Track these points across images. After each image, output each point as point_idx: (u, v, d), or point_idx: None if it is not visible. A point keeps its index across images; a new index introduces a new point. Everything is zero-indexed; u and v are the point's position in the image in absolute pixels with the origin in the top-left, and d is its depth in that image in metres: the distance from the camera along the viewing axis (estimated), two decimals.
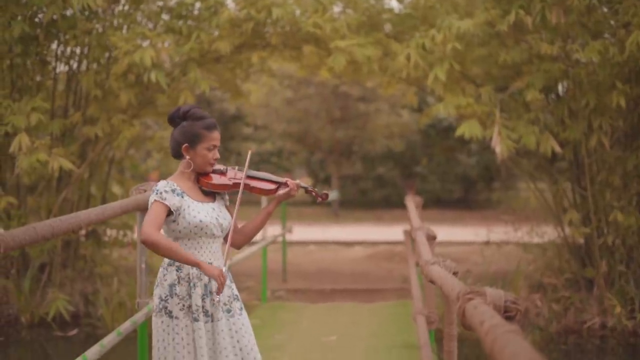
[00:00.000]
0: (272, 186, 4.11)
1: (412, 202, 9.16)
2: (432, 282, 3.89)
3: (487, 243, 12.90)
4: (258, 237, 4.35)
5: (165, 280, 3.90)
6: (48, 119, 9.46)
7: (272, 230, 11.60)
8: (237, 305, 4.00)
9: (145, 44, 9.37)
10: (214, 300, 3.86)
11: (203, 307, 3.86)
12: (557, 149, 9.23)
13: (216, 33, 9.88)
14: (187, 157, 3.94)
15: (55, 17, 9.26)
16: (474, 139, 9.42)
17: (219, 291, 3.77)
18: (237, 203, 3.93)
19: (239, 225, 4.14)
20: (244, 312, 4.04)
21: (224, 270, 3.81)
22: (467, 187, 25.22)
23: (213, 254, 3.92)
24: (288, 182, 4.10)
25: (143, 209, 4.67)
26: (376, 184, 25.76)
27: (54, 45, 10.15)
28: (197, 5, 10.05)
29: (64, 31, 9.64)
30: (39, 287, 10.20)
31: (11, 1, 9.05)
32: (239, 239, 4.11)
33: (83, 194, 10.85)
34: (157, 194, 3.82)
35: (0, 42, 9.24)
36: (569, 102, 9.53)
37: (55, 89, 10.30)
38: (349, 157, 24.94)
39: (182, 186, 3.92)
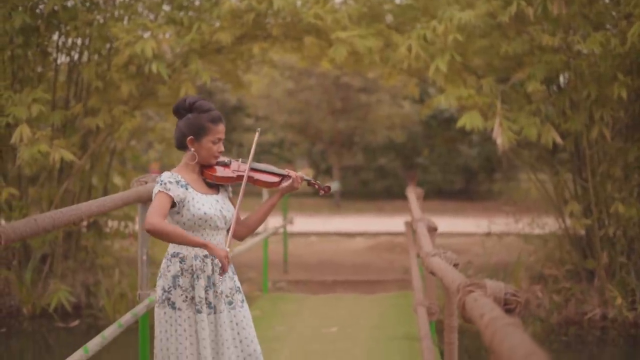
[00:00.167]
0: (276, 179, 4.11)
1: (413, 194, 9.16)
2: (432, 273, 3.90)
3: (488, 234, 12.91)
4: (259, 228, 4.33)
5: (169, 271, 3.91)
6: (49, 110, 9.47)
7: (273, 221, 11.61)
8: (239, 297, 4.01)
9: (146, 35, 9.37)
10: (220, 275, 3.86)
11: (206, 298, 3.87)
12: (558, 140, 9.22)
13: (217, 24, 9.87)
14: (192, 149, 3.94)
15: (56, 8, 9.26)
16: (475, 130, 9.41)
17: (223, 271, 3.78)
18: (240, 195, 3.94)
19: (242, 217, 4.15)
20: (245, 305, 4.05)
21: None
22: (468, 178, 25.22)
23: (216, 245, 3.92)
24: (291, 175, 4.10)
25: (144, 200, 4.68)
26: (377, 175, 25.76)
27: (55, 37, 10.15)
28: None
29: (65, 22, 9.63)
30: (41, 278, 10.21)
31: None
32: (241, 231, 4.12)
33: (84, 185, 10.86)
34: (161, 184, 3.82)
35: (1, 33, 9.23)
36: (570, 94, 9.52)
37: (56, 80, 10.29)
38: (350, 148, 24.93)
39: (186, 178, 3.92)
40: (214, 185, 4.02)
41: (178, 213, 3.86)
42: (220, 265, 3.85)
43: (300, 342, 7.49)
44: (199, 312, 3.83)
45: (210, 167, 3.99)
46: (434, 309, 6.86)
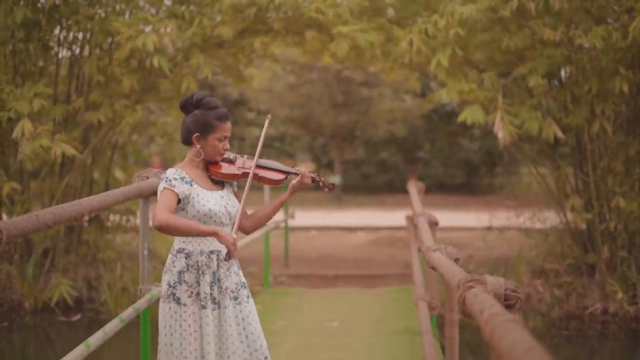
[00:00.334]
0: (281, 176, 4.11)
1: (414, 188, 9.16)
2: (433, 268, 3.91)
3: (490, 228, 12.92)
4: None
5: (174, 267, 3.92)
6: (51, 105, 9.47)
7: (275, 215, 11.61)
8: (245, 292, 4.03)
9: (148, 29, 9.37)
10: (226, 262, 3.87)
11: (211, 294, 3.88)
12: (560, 134, 9.22)
13: (219, 18, 9.86)
14: (198, 146, 3.94)
15: (57, 2, 9.26)
16: (477, 125, 9.41)
17: (229, 257, 3.79)
18: (246, 190, 3.95)
19: (248, 212, 4.16)
20: (251, 300, 4.07)
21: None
22: (469, 172, 25.21)
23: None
24: (300, 172, 4.10)
25: (146, 195, 4.69)
26: (379, 169, 25.76)
27: (56, 31, 10.15)
28: None
29: (67, 16, 9.63)
30: (43, 272, 10.23)
31: None
32: (249, 225, 4.14)
33: (86, 180, 10.87)
34: (166, 181, 3.83)
35: (3, 28, 9.23)
36: (572, 88, 9.52)
37: (57, 75, 10.30)
38: (352, 142, 24.92)
39: (191, 174, 3.93)
40: (219, 181, 4.03)
41: (183, 209, 3.87)
42: (223, 263, 3.88)
43: (301, 337, 7.50)
44: (203, 307, 3.85)
45: (215, 163, 4.00)
46: (435, 304, 6.87)
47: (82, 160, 10.12)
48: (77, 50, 10.43)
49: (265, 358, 4.02)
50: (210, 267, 3.90)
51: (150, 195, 4.71)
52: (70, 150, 8.84)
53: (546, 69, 9.15)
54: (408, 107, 23.17)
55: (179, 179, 3.85)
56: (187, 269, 3.90)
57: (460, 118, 9.29)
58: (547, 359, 1.57)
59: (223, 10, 9.61)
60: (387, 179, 25.51)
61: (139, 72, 9.86)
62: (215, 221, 3.89)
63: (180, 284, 3.89)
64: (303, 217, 15.51)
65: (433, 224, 6.25)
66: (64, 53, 10.61)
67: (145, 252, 4.75)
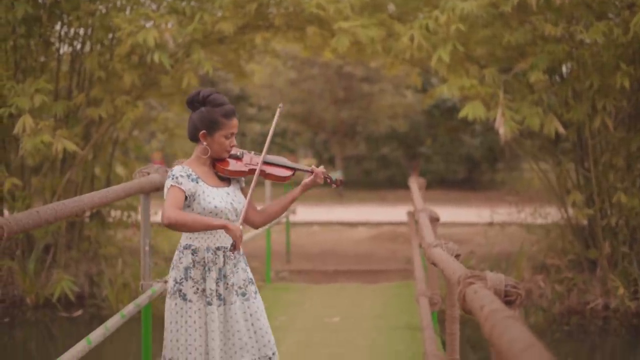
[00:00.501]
0: (288, 173, 4.11)
1: (415, 184, 9.16)
2: (434, 264, 3.91)
3: (491, 224, 12.91)
4: None
5: (181, 263, 3.93)
6: (52, 101, 9.48)
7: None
8: (252, 288, 4.04)
9: (149, 25, 9.37)
10: (231, 252, 3.88)
11: (217, 290, 3.89)
12: (561, 130, 9.21)
13: (219, 14, 9.85)
14: (204, 143, 3.94)
15: None
16: (478, 120, 9.41)
17: (235, 248, 3.80)
18: (252, 186, 3.96)
19: (258, 208, 4.17)
20: (259, 296, 4.08)
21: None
22: (471, 168, 25.20)
23: (228, 238, 3.94)
24: (314, 170, 4.10)
25: (146, 191, 4.69)
26: (380, 165, 25.75)
27: (57, 27, 10.16)
28: None
29: (68, 12, 9.63)
30: (44, 268, 10.24)
31: None
32: (258, 220, 4.15)
33: (87, 175, 10.88)
34: (172, 179, 3.84)
35: (4, 23, 9.24)
36: (573, 83, 9.51)
37: (58, 70, 10.30)
38: (353, 137, 24.92)
39: (197, 171, 3.93)
40: (225, 178, 4.03)
41: (189, 207, 3.88)
42: (229, 260, 3.89)
43: (303, 332, 7.51)
44: (209, 304, 3.86)
45: (222, 160, 3.99)
46: (436, 299, 6.87)
47: (83, 156, 10.12)
48: (78, 46, 10.43)
49: (274, 354, 4.05)
50: (216, 264, 3.91)
51: (151, 191, 4.72)
52: (71, 146, 8.84)
53: (547, 64, 9.14)
54: (409, 103, 23.15)
55: (185, 176, 3.85)
56: (194, 265, 3.91)
57: (462, 114, 9.28)
58: (546, 356, 1.57)
59: (224, 6, 9.61)
60: (388, 174, 25.50)
61: (139, 68, 9.86)
62: (221, 218, 3.89)
63: (187, 280, 3.90)
64: (304, 212, 15.52)
65: (434, 220, 6.24)
66: (65, 49, 10.63)
67: (147, 248, 4.76)
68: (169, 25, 9.47)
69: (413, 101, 23.14)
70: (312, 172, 4.11)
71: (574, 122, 9.56)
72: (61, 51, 10.47)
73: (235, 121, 3.95)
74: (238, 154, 4.04)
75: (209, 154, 3.95)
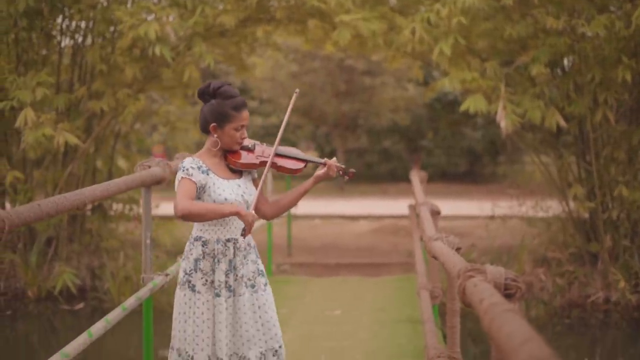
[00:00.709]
0: (300, 165, 4.10)
1: (416, 177, 9.15)
2: (435, 258, 3.91)
3: (492, 217, 12.91)
4: None
5: (191, 254, 3.96)
6: (53, 94, 9.48)
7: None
8: (262, 280, 4.05)
9: (150, 18, 9.36)
10: (243, 237, 3.87)
11: (226, 282, 3.91)
12: (562, 123, 9.21)
13: (221, 7, 9.85)
14: (215, 135, 3.95)
15: None
16: (479, 113, 9.40)
17: (247, 233, 3.81)
18: (262, 177, 3.98)
19: (270, 199, 4.18)
20: (269, 288, 4.10)
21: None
22: (472, 161, 25.16)
23: (238, 230, 3.95)
24: (327, 162, 4.09)
25: (148, 184, 4.70)
26: (382, 158, 25.72)
27: (59, 20, 10.15)
28: None
29: (69, 5, 9.63)
30: (46, 261, 10.26)
31: None
32: (270, 211, 4.15)
33: (89, 168, 10.89)
34: (183, 171, 3.85)
35: (5, 16, 9.24)
36: (575, 77, 9.50)
37: (60, 64, 10.30)
38: (355, 130, 24.89)
39: (208, 163, 3.94)
40: (237, 170, 4.03)
41: (199, 199, 3.89)
42: (239, 251, 3.91)
43: (304, 325, 7.52)
44: (217, 295, 3.89)
45: (234, 152, 3.99)
46: (437, 293, 6.88)
47: (85, 149, 10.13)
48: (80, 39, 10.43)
49: (280, 346, 4.06)
50: (226, 255, 3.93)
51: (152, 184, 4.72)
52: (73, 139, 8.85)
53: (549, 57, 9.14)
54: (411, 96, 23.11)
55: (195, 168, 3.86)
56: (203, 257, 3.93)
57: (463, 107, 9.28)
58: (545, 350, 1.58)
59: None
60: (390, 167, 25.47)
61: (141, 61, 9.85)
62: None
63: (196, 272, 3.93)
64: (306, 205, 15.50)
65: (435, 213, 6.24)
66: (66, 42, 10.62)
67: (148, 241, 4.76)
68: (171, 18, 9.47)
69: (415, 94, 23.09)
70: (324, 164, 4.10)
71: (576, 115, 9.55)
72: (63, 44, 10.46)
73: (245, 113, 3.95)
74: (250, 145, 4.03)
75: (219, 146, 3.96)
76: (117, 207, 11.57)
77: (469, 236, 12.79)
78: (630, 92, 9.51)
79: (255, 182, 4.12)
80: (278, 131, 4.06)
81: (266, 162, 3.99)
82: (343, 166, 4.16)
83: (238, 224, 3.95)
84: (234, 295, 3.94)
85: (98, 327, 3.98)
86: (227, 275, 3.92)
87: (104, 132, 10.89)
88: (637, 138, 9.45)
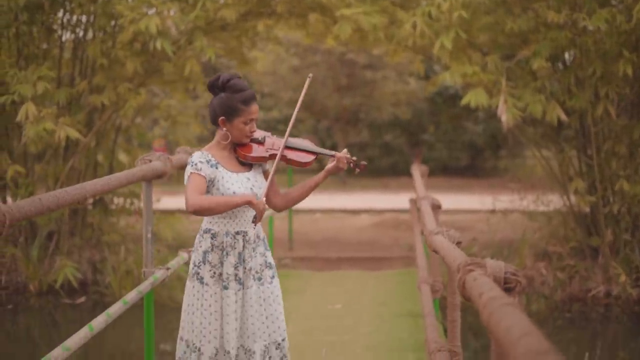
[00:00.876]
0: (310, 157, 4.08)
1: (417, 171, 9.15)
2: (435, 252, 3.92)
3: (493, 211, 12.90)
4: None
5: (200, 246, 3.98)
6: (54, 88, 9.48)
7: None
8: (269, 273, 4.06)
9: (151, 12, 9.35)
10: (253, 224, 3.88)
11: (235, 275, 3.92)
12: (564, 117, 9.21)
13: (222, 1, 9.84)
14: (224, 129, 3.95)
15: None
16: (481, 108, 9.40)
17: (258, 220, 3.82)
18: (273, 169, 3.98)
19: (281, 191, 4.18)
20: (275, 281, 4.10)
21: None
22: (473, 155, 25.14)
23: (248, 223, 3.96)
24: (337, 155, 4.08)
25: (149, 179, 4.70)
26: (383, 152, 25.69)
27: (59, 14, 10.14)
28: None
29: None
30: (47, 255, 10.27)
31: None
32: (280, 203, 4.17)
33: (90, 163, 10.89)
34: (192, 166, 3.86)
35: (6, 10, 9.23)
36: (576, 71, 9.50)
37: (61, 58, 10.30)
38: (356, 124, 24.88)
39: (217, 156, 3.94)
40: (247, 163, 4.03)
41: (208, 192, 3.90)
42: (248, 244, 3.93)
43: (305, 319, 7.53)
44: (225, 288, 3.91)
45: (243, 145, 3.98)
46: (438, 287, 6.89)
47: (86, 143, 10.13)
48: (81, 33, 10.43)
49: (283, 340, 4.07)
50: (235, 248, 3.94)
51: (153, 178, 4.73)
52: (74, 134, 8.85)
53: (550, 51, 9.13)
54: (412, 90, 23.09)
55: (204, 162, 3.87)
56: (212, 250, 3.95)
57: (464, 101, 9.28)
58: (544, 344, 1.58)
59: None
60: (391, 161, 25.45)
61: (142, 55, 9.85)
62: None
63: (204, 264, 3.95)
64: (307, 199, 15.46)
65: (436, 207, 6.25)
66: (67, 36, 10.61)
67: (149, 235, 4.77)
68: (171, 13, 9.46)
69: (416, 88, 23.08)
70: (334, 156, 4.09)
71: (577, 109, 9.55)
72: (63, 38, 10.46)
73: (254, 107, 3.95)
74: (260, 137, 4.03)
75: (229, 140, 3.96)
76: (118, 201, 11.57)
77: (470, 230, 12.79)
78: (631, 86, 9.51)
79: (266, 174, 4.12)
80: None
81: (275, 154, 3.98)
82: (354, 158, 4.12)
83: (247, 217, 3.95)
84: (243, 288, 3.95)
85: (99, 321, 3.98)
86: (236, 267, 3.93)
87: (105, 127, 10.89)
88: (638, 132, 9.44)
